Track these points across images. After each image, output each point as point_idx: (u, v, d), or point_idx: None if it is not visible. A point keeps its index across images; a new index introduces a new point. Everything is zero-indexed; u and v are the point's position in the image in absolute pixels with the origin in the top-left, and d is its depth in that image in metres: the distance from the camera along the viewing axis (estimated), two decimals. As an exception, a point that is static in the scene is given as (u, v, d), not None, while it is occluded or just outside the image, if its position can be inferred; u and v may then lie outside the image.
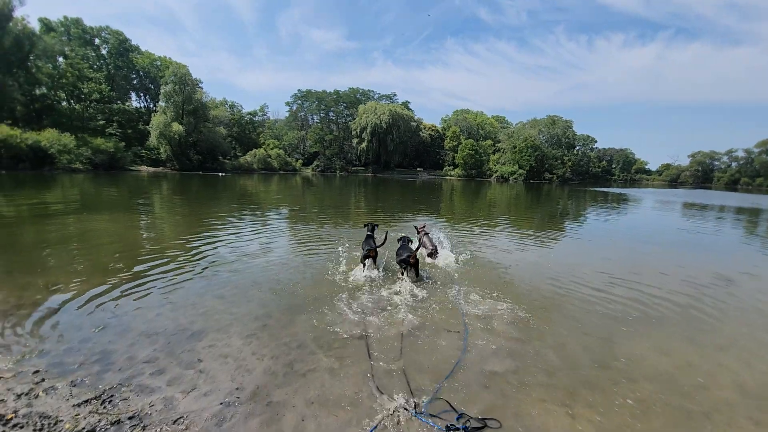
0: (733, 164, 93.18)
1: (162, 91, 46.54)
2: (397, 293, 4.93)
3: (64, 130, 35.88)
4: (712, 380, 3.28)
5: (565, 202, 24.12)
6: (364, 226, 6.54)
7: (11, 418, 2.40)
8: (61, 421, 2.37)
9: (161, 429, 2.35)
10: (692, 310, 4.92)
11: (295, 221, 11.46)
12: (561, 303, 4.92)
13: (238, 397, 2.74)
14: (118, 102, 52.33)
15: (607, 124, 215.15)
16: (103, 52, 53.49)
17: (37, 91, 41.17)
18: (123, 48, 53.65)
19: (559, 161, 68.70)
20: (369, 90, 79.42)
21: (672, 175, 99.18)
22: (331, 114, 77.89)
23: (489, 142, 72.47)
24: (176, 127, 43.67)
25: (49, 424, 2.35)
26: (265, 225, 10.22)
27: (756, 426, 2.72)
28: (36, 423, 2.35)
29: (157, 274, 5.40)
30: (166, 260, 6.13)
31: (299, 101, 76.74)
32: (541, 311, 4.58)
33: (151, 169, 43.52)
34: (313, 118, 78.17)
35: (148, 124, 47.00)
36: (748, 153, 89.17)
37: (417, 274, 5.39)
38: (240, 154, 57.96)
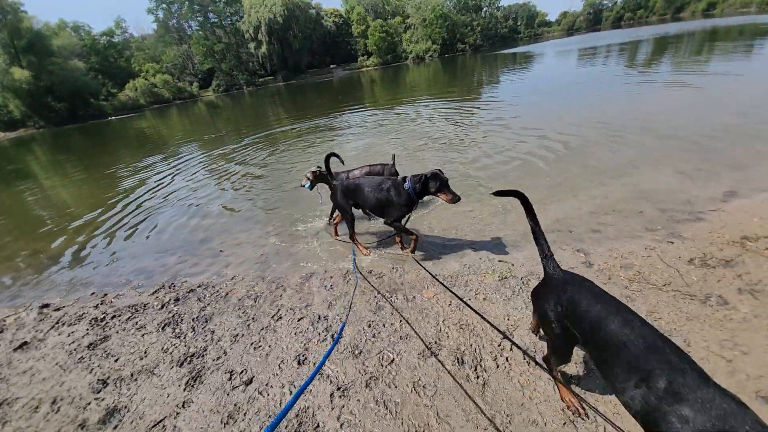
0: (619, 0, 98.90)
1: (-32, 24, 34.56)
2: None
3: None
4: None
5: (479, 71, 25.28)
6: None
7: (103, 318, 3.19)
8: (147, 304, 3.22)
9: (225, 285, 3.32)
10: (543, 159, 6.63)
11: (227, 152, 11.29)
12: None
13: (265, 255, 3.77)
14: None
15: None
16: None
17: None
18: None
19: (469, 28, 67.65)
20: (245, -25, 65.55)
21: (569, 23, 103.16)
22: (211, 16, 64.58)
23: (398, 19, 67.43)
24: (18, 73, 34.29)
25: (137, 309, 3.19)
26: (186, 163, 10.06)
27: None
28: (128, 312, 3.17)
29: (119, 219, 5.73)
30: (122, 207, 6.33)
31: (165, 5, 61.73)
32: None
33: (11, 134, 35.25)
34: (190, 26, 64.61)
35: (-27, 76, 36.03)
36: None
37: None
38: (114, 90, 48.11)
